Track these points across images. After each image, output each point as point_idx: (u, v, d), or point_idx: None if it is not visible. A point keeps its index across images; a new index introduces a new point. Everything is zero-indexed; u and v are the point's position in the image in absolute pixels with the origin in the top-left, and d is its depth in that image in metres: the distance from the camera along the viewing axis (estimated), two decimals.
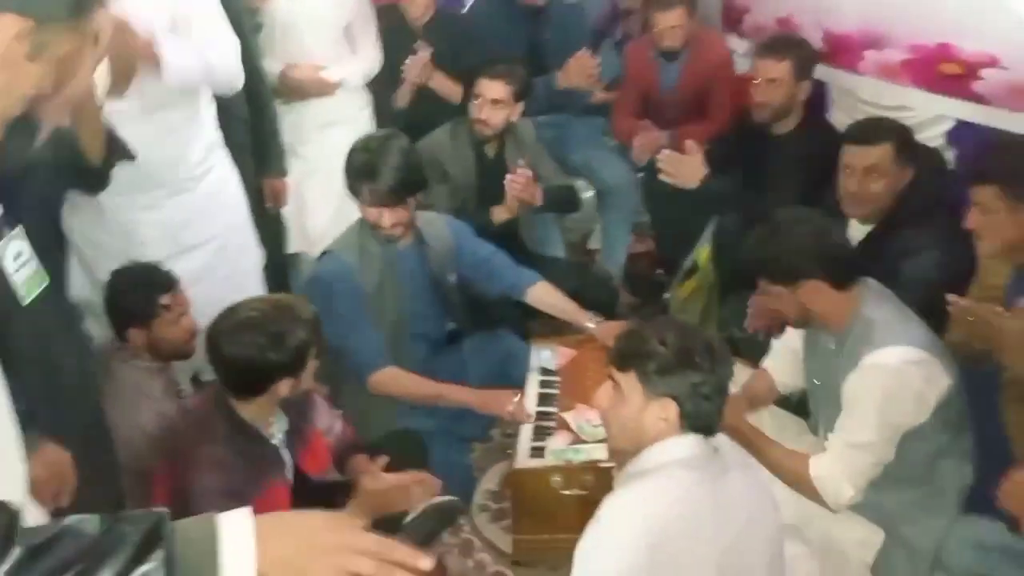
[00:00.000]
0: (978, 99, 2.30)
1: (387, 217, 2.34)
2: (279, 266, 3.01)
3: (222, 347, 1.79)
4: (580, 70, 3.22)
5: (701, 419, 1.50)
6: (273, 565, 0.85)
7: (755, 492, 1.57)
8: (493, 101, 2.87)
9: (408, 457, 2.26)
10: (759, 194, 2.77)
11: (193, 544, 0.83)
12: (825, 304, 1.90)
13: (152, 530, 0.82)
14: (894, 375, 1.79)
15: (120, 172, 2.16)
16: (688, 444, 1.51)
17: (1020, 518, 1.65)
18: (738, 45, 3.46)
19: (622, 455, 1.63)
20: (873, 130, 2.28)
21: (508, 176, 2.82)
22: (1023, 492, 1.62)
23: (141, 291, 2.10)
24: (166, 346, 2.12)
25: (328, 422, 2.13)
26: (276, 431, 1.93)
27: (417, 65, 3.12)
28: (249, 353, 1.77)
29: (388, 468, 2.08)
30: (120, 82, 1.95)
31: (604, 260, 3.53)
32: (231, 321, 1.81)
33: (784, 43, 2.81)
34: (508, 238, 2.87)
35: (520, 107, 2.94)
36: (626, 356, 1.54)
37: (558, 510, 2.11)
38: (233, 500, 1.74)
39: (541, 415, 2.36)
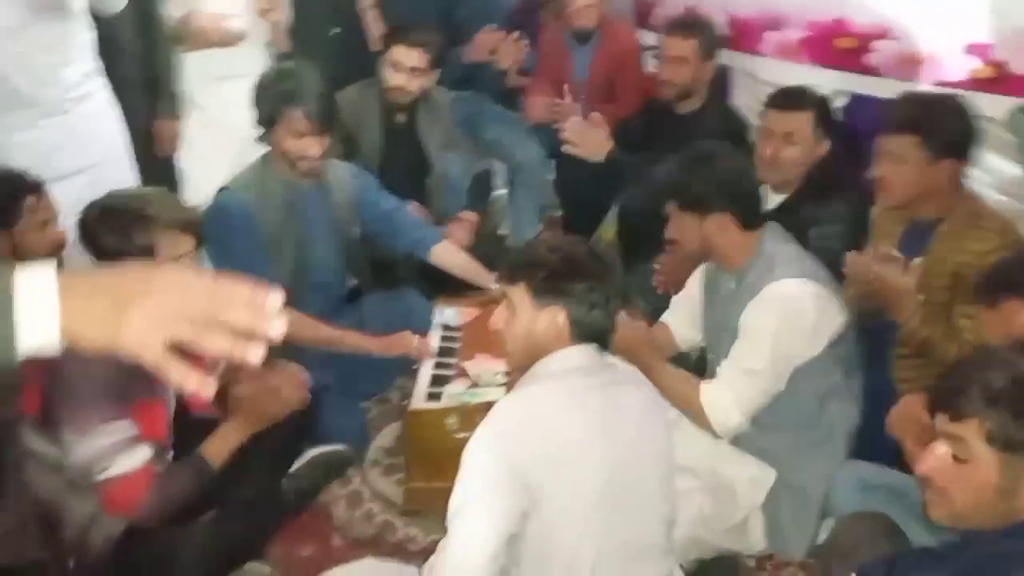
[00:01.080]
0: (871, 71, 2.40)
1: (314, 146, 2.27)
2: None
3: (90, 231, 1.76)
4: (488, 44, 3.19)
5: (591, 327, 1.48)
6: (80, 321, 0.73)
7: (647, 407, 1.55)
8: (412, 69, 2.84)
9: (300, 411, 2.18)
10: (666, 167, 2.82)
11: None
12: (728, 240, 1.92)
13: None
14: (791, 303, 1.83)
15: None
16: (580, 353, 1.49)
17: (904, 444, 1.68)
18: (648, 39, 3.54)
19: (519, 373, 1.59)
20: (795, 97, 2.33)
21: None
22: (910, 416, 1.66)
23: (3, 191, 1.96)
24: (30, 255, 1.97)
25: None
26: None
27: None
28: (114, 239, 1.73)
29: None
30: None
31: (513, 238, 3.51)
32: (98, 206, 1.78)
33: (692, 23, 2.90)
34: (415, 199, 2.83)
35: (435, 75, 2.92)
36: (516, 268, 1.53)
37: (452, 456, 1.99)
38: (114, 397, 1.66)
39: (441, 365, 2.31)
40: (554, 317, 1.47)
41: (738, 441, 1.93)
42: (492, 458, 1.37)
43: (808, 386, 1.88)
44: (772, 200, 2.36)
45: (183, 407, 1.95)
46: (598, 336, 1.51)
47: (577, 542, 1.37)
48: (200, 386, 0.76)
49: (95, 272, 0.81)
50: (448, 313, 2.55)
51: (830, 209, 2.26)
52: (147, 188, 1.89)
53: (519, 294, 1.51)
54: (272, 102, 2.28)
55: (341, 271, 2.60)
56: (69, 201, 2.17)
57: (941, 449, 1.22)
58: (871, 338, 2.01)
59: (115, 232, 1.75)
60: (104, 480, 1.67)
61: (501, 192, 3.77)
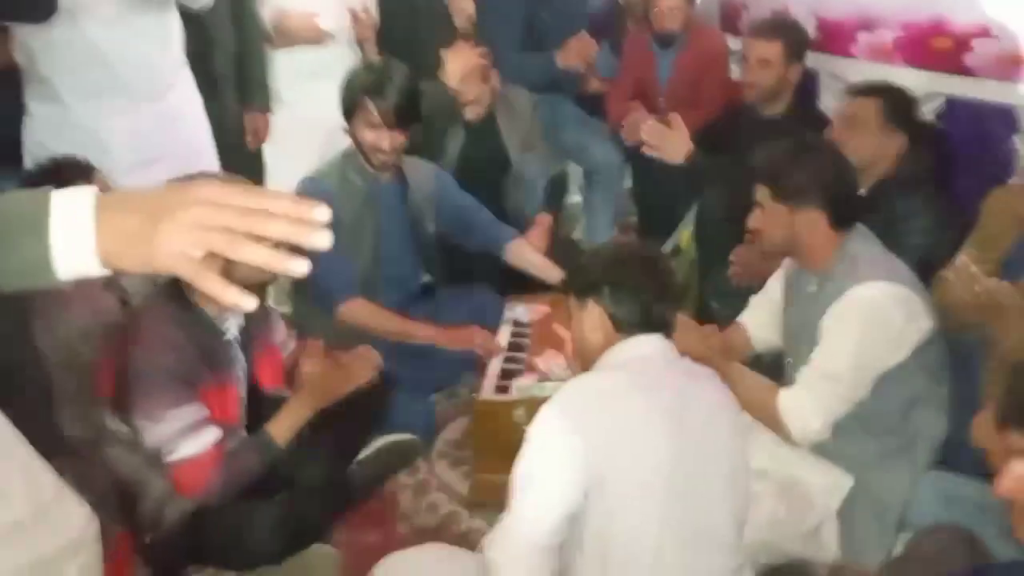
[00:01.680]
0: (968, 72, 2.30)
1: (388, 140, 2.31)
2: None
3: None
4: (580, 50, 3.23)
5: (638, 322, 1.49)
6: (115, 239, 0.72)
7: (719, 403, 1.52)
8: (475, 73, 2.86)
9: (372, 395, 2.21)
10: (745, 175, 2.76)
11: (22, 218, 0.72)
12: (815, 238, 1.85)
13: None
14: (876, 308, 1.75)
15: (90, 75, 2.20)
16: (649, 342, 1.49)
17: (990, 457, 1.59)
18: (735, 44, 3.48)
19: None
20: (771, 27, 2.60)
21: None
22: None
23: (46, 177, 2.03)
24: None
25: (283, 337, 2.08)
26: (231, 326, 1.87)
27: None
28: None
29: (350, 400, 2.03)
30: None
31: (588, 242, 3.50)
32: None
33: (777, 25, 2.83)
34: (491, 199, 2.85)
35: (497, 72, 2.93)
36: (567, 277, 1.64)
37: (518, 448, 2.02)
38: (182, 384, 1.71)
39: (511, 360, 2.31)
40: (597, 314, 1.51)
41: (815, 446, 1.85)
42: (556, 434, 1.37)
43: (892, 393, 1.80)
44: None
45: (257, 388, 2.00)
46: (647, 324, 1.50)
47: (639, 526, 1.34)
48: (238, 299, 0.75)
49: (132, 191, 0.79)
50: (519, 310, 2.56)
51: (914, 204, 2.18)
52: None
53: (571, 300, 1.59)
54: (352, 93, 2.34)
55: (416, 265, 2.64)
56: (155, 186, 2.28)
57: (1020, 469, 1.13)
58: (963, 344, 1.91)
59: None
60: (172, 462, 1.73)
61: (576, 199, 3.78)
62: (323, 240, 0.75)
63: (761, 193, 1.91)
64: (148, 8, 2.23)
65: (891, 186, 2.23)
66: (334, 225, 2.54)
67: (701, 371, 1.56)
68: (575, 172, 3.66)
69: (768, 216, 1.90)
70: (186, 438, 1.74)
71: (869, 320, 1.75)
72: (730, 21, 3.55)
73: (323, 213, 0.75)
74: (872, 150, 2.23)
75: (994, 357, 1.87)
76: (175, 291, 1.81)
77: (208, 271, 0.73)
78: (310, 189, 2.34)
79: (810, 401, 1.77)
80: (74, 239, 0.72)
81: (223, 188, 0.74)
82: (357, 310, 2.30)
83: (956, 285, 1.84)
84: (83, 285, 2.05)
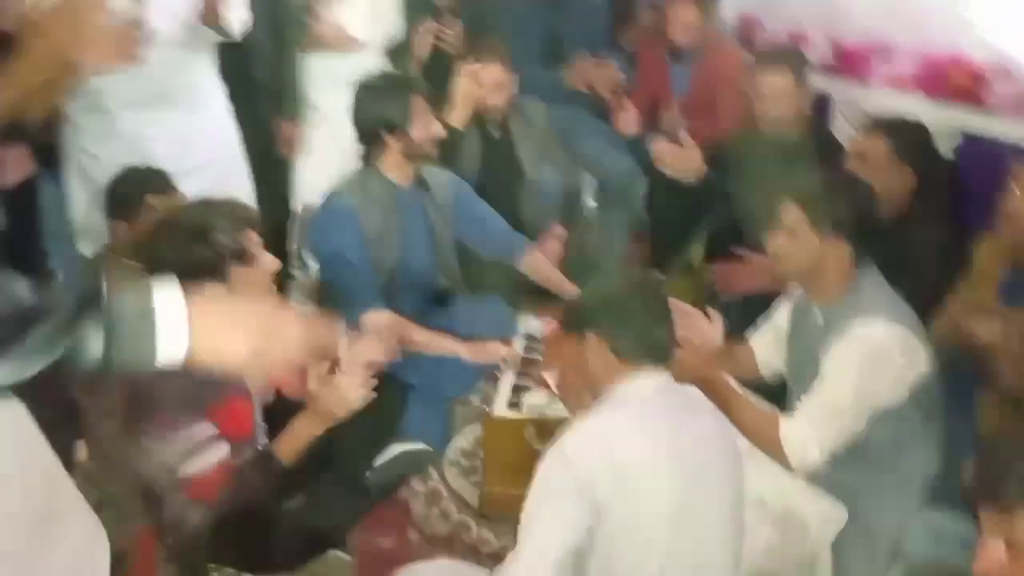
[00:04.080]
0: (988, 109, 2.34)
1: (438, 124, 2.43)
2: (282, 215, 3.04)
3: (146, 243, 1.82)
4: (587, 75, 3.28)
5: (634, 346, 1.55)
6: (205, 344, 0.88)
7: (719, 436, 1.60)
8: (495, 85, 2.91)
9: (385, 404, 2.28)
10: (758, 195, 2.81)
11: (128, 318, 0.86)
12: (834, 268, 1.90)
13: (87, 297, 0.85)
14: (878, 347, 1.81)
15: (136, 87, 2.28)
16: (651, 379, 1.56)
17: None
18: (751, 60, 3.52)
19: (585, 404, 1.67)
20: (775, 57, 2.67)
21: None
22: None
23: (132, 183, 2.12)
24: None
25: None
26: None
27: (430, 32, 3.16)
28: (158, 251, 1.76)
29: (365, 412, 2.08)
30: None
31: (602, 255, 3.55)
32: (158, 219, 1.85)
33: (779, 53, 2.87)
34: (507, 210, 2.91)
35: (516, 80, 2.98)
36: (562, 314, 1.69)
37: (528, 465, 2.08)
38: (188, 405, 1.75)
39: (522, 374, 2.39)
40: (598, 346, 1.57)
41: (811, 477, 1.93)
42: (562, 474, 1.44)
43: (886, 429, 1.87)
44: None
45: (280, 395, 2.06)
46: (650, 357, 1.57)
47: (641, 561, 1.42)
48: None
49: (219, 300, 0.96)
50: (532, 323, 2.63)
51: (925, 241, 2.23)
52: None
53: (568, 341, 1.64)
54: (405, 98, 2.40)
55: (433, 272, 2.70)
56: (195, 195, 2.36)
57: (995, 549, 1.14)
58: (958, 381, 1.98)
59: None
60: (180, 478, 1.76)
61: (592, 204, 3.82)
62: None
63: (794, 217, 1.92)
64: (200, 36, 2.35)
65: (903, 222, 2.27)
66: (357, 238, 2.62)
67: (700, 406, 1.64)
68: (590, 179, 3.71)
69: (797, 241, 1.91)
70: (193, 456, 1.75)
71: (871, 358, 1.81)
72: (746, 37, 3.58)
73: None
74: (883, 186, 2.27)
75: (991, 392, 1.95)
76: None
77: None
78: (334, 204, 2.41)
79: (811, 431, 1.84)
80: (173, 339, 0.86)
81: (299, 326, 0.95)
82: (383, 321, 2.37)
83: (947, 324, 1.91)
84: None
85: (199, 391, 1.75)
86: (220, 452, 1.79)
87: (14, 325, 0.81)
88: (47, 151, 2.44)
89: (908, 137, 2.30)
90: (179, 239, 1.75)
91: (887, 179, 2.27)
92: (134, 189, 2.13)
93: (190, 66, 2.38)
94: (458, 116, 2.89)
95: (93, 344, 0.84)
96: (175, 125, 2.39)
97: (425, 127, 2.42)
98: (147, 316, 0.86)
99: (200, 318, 0.87)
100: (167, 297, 0.88)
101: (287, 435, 1.86)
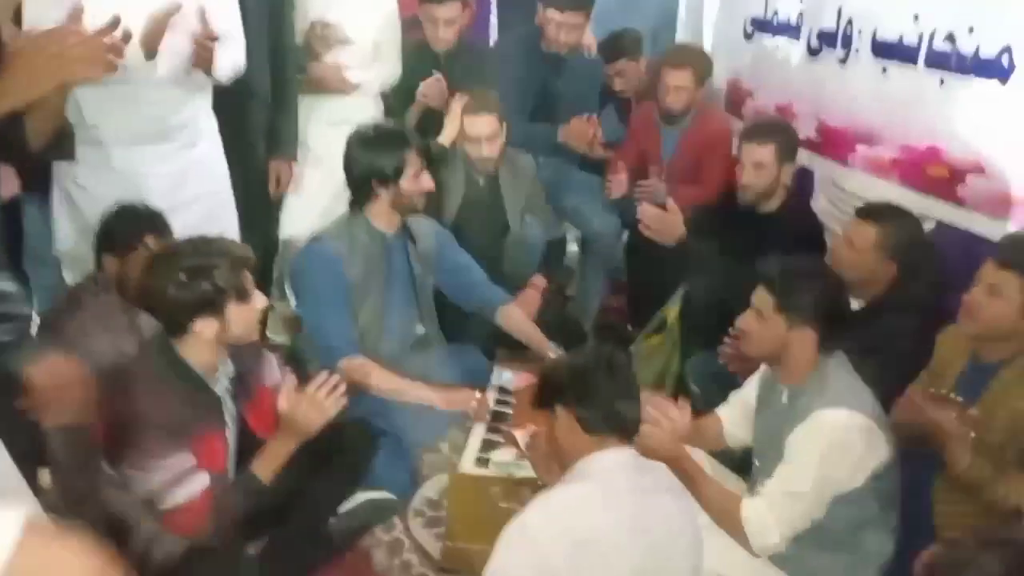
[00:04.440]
0: (961, 202, 2.41)
1: (427, 178, 2.47)
2: (267, 248, 3.06)
3: (142, 280, 1.82)
4: (580, 133, 3.37)
5: (600, 418, 1.59)
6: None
7: (680, 517, 1.63)
8: (488, 137, 2.98)
9: (355, 449, 2.29)
10: (735, 264, 2.86)
11: None
12: (801, 355, 1.95)
13: None
14: (840, 433, 1.85)
15: (133, 125, 2.34)
16: (617, 455, 1.60)
17: None
18: (739, 127, 3.60)
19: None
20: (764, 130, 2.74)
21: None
22: None
23: (130, 221, 2.14)
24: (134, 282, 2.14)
25: (277, 379, 2.11)
26: (221, 377, 1.94)
27: (433, 87, 3.22)
28: (158, 287, 1.79)
29: (332, 458, 2.10)
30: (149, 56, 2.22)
31: (578, 306, 3.60)
32: (153, 255, 1.87)
33: (768, 127, 2.91)
34: (489, 259, 2.95)
35: (505, 127, 3.05)
36: (534, 393, 1.73)
37: (493, 522, 2.08)
38: (165, 436, 1.78)
39: (492, 430, 2.40)
40: (565, 419, 1.61)
41: (771, 556, 1.96)
42: (524, 552, 1.47)
43: (845, 513, 1.90)
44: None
45: (250, 434, 2.07)
46: (616, 428, 1.61)
47: None
48: None
49: (51, 549, 0.88)
50: (505, 376, 2.66)
51: (901, 328, 2.26)
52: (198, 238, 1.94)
53: (541, 414, 1.69)
54: (400, 152, 2.45)
55: (415, 317, 2.73)
56: (184, 227, 2.37)
57: None
58: (913, 467, 2.02)
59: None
60: (164, 510, 1.79)
61: (574, 248, 3.86)
62: None
63: (762, 300, 1.97)
64: (194, 76, 2.38)
65: (882, 309, 2.32)
66: (339, 284, 2.65)
67: (664, 483, 1.67)
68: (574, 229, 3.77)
69: (764, 324, 1.97)
70: (175, 487, 1.80)
71: (832, 445, 1.85)
72: (735, 106, 3.66)
73: None
74: (866, 274, 2.32)
75: (944, 479, 1.99)
76: (163, 345, 1.87)
77: None
78: (317, 249, 2.44)
79: (771, 515, 1.87)
80: None
81: None
82: (356, 368, 2.39)
83: (904, 412, 1.96)
84: (107, 317, 2.13)
85: (180, 422, 1.79)
86: (200, 482, 1.82)
87: None
88: (33, 174, 2.44)
89: (898, 228, 2.32)
90: (178, 277, 1.78)
91: (870, 267, 2.32)
92: (133, 227, 2.15)
93: (186, 104, 2.41)
94: (448, 136, 2.98)
95: None
96: (169, 162, 2.41)
97: (415, 180, 2.46)
98: None
99: (23, 552, 0.83)
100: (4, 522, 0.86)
101: (264, 454, 1.92)
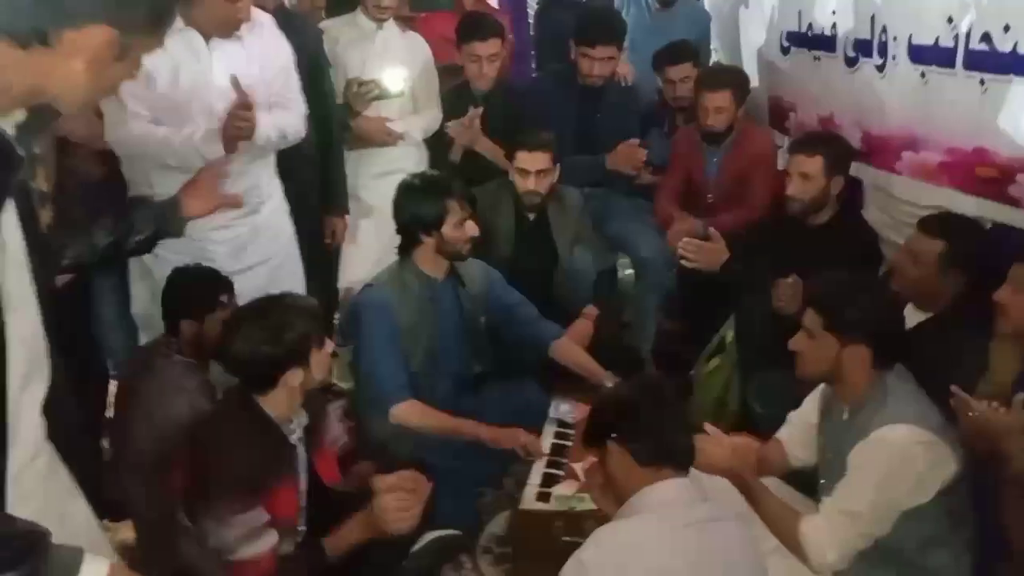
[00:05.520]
0: (1014, 202, 2.35)
1: (472, 226, 2.53)
2: (327, 299, 3.18)
3: (227, 343, 1.92)
4: (628, 157, 3.41)
5: (653, 451, 1.60)
6: None
7: (741, 544, 1.62)
8: (538, 172, 3.03)
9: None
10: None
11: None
12: (856, 372, 1.93)
13: (30, 541, 1.03)
14: (899, 452, 1.82)
15: None
16: (675, 487, 1.60)
17: None
18: (783, 141, 3.58)
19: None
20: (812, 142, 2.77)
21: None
22: None
23: (205, 284, 2.26)
24: (212, 343, 2.24)
25: (336, 433, 2.22)
26: (296, 427, 2.02)
27: (461, 128, 3.30)
28: (249, 346, 1.88)
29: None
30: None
31: (634, 332, 3.61)
32: (233, 318, 1.97)
33: (817, 139, 2.90)
34: (542, 292, 2.99)
35: (558, 168, 3.10)
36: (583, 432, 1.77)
37: (558, 556, 2.12)
38: (249, 490, 1.86)
39: (553, 463, 2.42)
40: (619, 454, 1.62)
41: (836, 573, 1.92)
42: None
43: (911, 530, 1.86)
44: (913, 317, 2.32)
45: (319, 481, 2.14)
46: (671, 459, 1.61)
47: None
48: None
49: None
50: (563, 408, 2.68)
51: (967, 343, 2.19)
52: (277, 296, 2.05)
53: (591, 449, 1.71)
54: (440, 200, 2.51)
55: (468, 358, 2.78)
56: (249, 290, 2.49)
57: None
58: (989, 486, 1.96)
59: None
60: (232, 561, 1.85)
61: (629, 272, 3.87)
62: None
63: (811, 320, 1.96)
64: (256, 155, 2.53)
65: (947, 321, 2.27)
66: (390, 330, 2.72)
67: (723, 511, 1.66)
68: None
69: (815, 343, 1.96)
70: (247, 542, 1.85)
71: (892, 463, 1.82)
72: (779, 121, 3.64)
73: None
74: (932, 287, 2.28)
75: (1007, 484, 1.92)
76: (244, 397, 1.96)
77: None
78: (370, 297, 2.53)
79: (829, 534, 1.85)
80: None
81: None
82: (408, 412, 2.45)
83: (956, 410, 1.91)
84: (182, 379, 2.26)
85: (259, 476, 1.87)
86: (272, 539, 1.88)
87: None
88: None
89: (964, 239, 2.28)
90: (267, 333, 1.89)
91: (936, 280, 2.27)
92: (210, 290, 2.28)
93: (246, 172, 2.52)
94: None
95: None
96: (233, 228, 2.54)
97: (458, 228, 2.53)
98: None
99: None
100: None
101: (339, 535, 1.97)
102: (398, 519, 1.94)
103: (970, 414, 1.86)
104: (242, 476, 1.84)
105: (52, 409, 1.25)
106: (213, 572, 1.92)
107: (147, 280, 2.59)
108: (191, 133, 2.36)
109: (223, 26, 2.37)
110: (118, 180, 2.57)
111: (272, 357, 1.89)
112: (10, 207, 1.17)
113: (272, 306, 1.96)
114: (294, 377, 1.92)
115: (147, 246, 2.03)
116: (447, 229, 2.52)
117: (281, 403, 1.96)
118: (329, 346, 2.02)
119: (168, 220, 2.03)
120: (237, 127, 2.33)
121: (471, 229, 2.54)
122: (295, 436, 2.02)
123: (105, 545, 1.49)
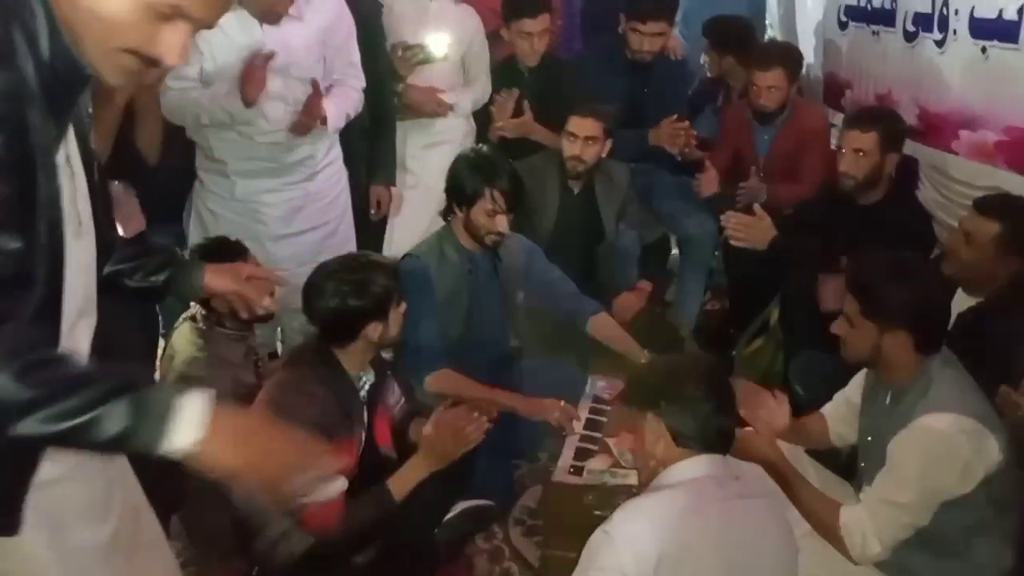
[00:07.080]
0: None
1: (504, 223, 2.52)
2: None
3: (312, 298, 2.01)
4: (671, 134, 3.35)
5: (692, 432, 1.56)
6: (210, 446, 1.03)
7: (773, 525, 1.59)
8: (586, 138, 3.00)
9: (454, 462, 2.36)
10: (837, 260, 2.77)
11: (153, 405, 1.01)
12: (899, 358, 1.88)
13: (124, 382, 1.01)
14: (943, 440, 1.77)
15: (255, 163, 2.57)
16: (704, 463, 1.57)
17: None
18: (838, 120, 3.49)
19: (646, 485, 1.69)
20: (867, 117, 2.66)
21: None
22: None
23: (221, 256, 2.28)
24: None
25: (395, 399, 2.26)
26: (366, 383, 2.09)
27: (499, 109, 3.28)
28: (335, 300, 1.98)
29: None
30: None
31: (678, 310, 3.58)
32: (319, 274, 2.05)
33: (872, 115, 2.81)
34: (584, 267, 2.98)
35: (609, 143, 3.06)
36: (628, 394, 1.72)
37: (589, 530, 2.14)
38: (322, 436, 1.88)
39: (587, 439, 2.43)
40: (656, 427, 1.58)
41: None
42: (606, 556, 1.48)
43: (954, 519, 1.81)
44: (963, 301, 2.27)
45: (372, 444, 2.17)
46: (709, 444, 1.57)
47: None
48: None
49: (236, 417, 1.10)
50: (600, 384, 2.67)
51: (1013, 326, 2.15)
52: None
53: (634, 415, 1.65)
54: (474, 183, 2.50)
55: (506, 332, 2.79)
56: (302, 254, 2.61)
57: None
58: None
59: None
60: (305, 504, 1.91)
61: (675, 251, 3.83)
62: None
63: (850, 306, 1.91)
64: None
65: (1000, 306, 2.20)
66: (430, 299, 2.76)
67: (754, 490, 1.63)
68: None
69: (855, 331, 1.91)
70: (321, 484, 1.90)
71: (935, 453, 1.77)
72: (834, 98, 3.55)
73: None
74: (985, 270, 2.21)
75: None
76: (321, 349, 2.04)
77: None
78: (410, 266, 2.54)
79: (871, 524, 1.81)
80: (183, 439, 1.02)
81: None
82: (441, 381, 2.48)
83: (1002, 403, 1.88)
84: (228, 352, 2.32)
85: (332, 424, 1.92)
86: (340, 484, 1.91)
87: (64, 386, 0.98)
88: (156, 211, 2.66)
89: (1022, 223, 2.19)
90: (353, 288, 2.00)
91: (990, 263, 2.20)
92: (219, 256, 2.29)
93: (303, 144, 2.60)
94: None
95: (113, 423, 0.99)
96: (287, 193, 2.64)
97: (486, 217, 2.51)
98: (170, 412, 1.02)
99: (215, 428, 1.02)
100: (194, 402, 1.03)
101: (403, 474, 2.05)
102: (453, 442, 2.02)
103: (1020, 413, 1.80)
104: (318, 420, 1.87)
105: (101, 352, 1.25)
106: (268, 519, 1.97)
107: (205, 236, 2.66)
108: (217, 90, 2.44)
109: (266, 15, 2.43)
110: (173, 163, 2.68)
111: (358, 310, 2.00)
112: (71, 137, 1.13)
113: (357, 262, 2.08)
114: (374, 331, 2.03)
115: (151, 293, 1.61)
116: (476, 212, 2.52)
117: (357, 357, 2.06)
118: (403, 304, 2.10)
119: (184, 282, 1.62)
120: (308, 120, 2.48)
121: (500, 224, 2.52)
122: (362, 393, 2.10)
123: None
